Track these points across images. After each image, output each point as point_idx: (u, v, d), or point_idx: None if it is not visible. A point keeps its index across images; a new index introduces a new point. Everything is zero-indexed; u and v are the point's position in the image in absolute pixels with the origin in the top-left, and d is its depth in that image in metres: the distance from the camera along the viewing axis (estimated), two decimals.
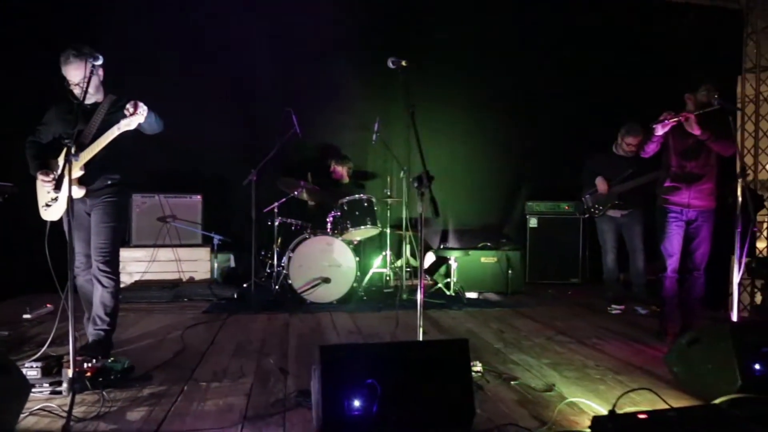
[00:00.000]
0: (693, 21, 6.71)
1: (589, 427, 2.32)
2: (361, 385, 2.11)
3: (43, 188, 3.41)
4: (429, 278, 6.16)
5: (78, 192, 3.30)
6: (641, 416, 2.33)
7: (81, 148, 3.26)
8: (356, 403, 2.10)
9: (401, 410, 2.13)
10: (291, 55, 6.56)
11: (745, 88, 6.94)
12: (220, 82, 6.43)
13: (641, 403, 2.71)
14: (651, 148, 4.03)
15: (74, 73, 3.23)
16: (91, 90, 3.27)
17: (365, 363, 2.18)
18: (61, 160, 3.38)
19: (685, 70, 5.64)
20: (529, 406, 2.70)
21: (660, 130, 3.84)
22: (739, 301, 5.50)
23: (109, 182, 3.44)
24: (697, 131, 3.80)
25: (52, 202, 3.38)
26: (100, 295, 3.38)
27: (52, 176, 3.29)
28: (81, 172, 3.31)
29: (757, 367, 2.69)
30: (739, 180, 3.60)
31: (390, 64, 3.09)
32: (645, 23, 6.88)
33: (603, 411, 2.55)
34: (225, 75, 6.43)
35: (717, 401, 2.60)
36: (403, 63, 3.04)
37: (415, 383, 2.20)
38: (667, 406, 2.45)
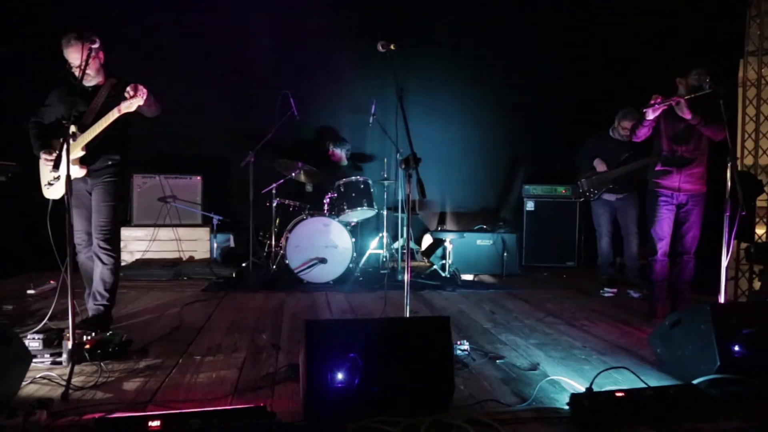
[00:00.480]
0: (695, 2, 6.65)
1: (567, 404, 2.40)
2: (344, 359, 2.19)
3: (46, 167, 3.49)
4: (425, 260, 6.24)
5: (79, 172, 3.39)
6: (618, 394, 2.41)
7: (82, 129, 3.36)
8: (339, 376, 2.18)
9: (382, 383, 2.22)
10: (289, 38, 6.61)
11: (747, 71, 6.91)
12: (220, 64, 6.49)
13: (623, 383, 2.78)
14: (642, 133, 4.07)
15: (75, 55, 3.31)
16: (91, 72, 3.35)
17: (349, 338, 2.26)
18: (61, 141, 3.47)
19: (686, 53, 5.64)
20: (512, 384, 2.78)
21: (651, 115, 3.87)
22: (737, 287, 5.58)
23: (110, 162, 3.53)
24: (687, 115, 3.83)
25: (54, 181, 3.48)
26: (100, 272, 3.48)
27: (54, 155, 3.37)
28: (82, 153, 3.40)
29: (736, 348, 2.75)
30: (729, 164, 3.62)
31: (380, 48, 3.13)
32: (645, 5, 6.84)
33: (583, 389, 2.62)
34: (224, 58, 6.49)
35: (695, 381, 2.67)
36: (392, 47, 3.07)
37: (396, 358, 2.28)
38: (644, 386, 2.53)
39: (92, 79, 3.44)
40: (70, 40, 3.29)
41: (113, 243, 3.52)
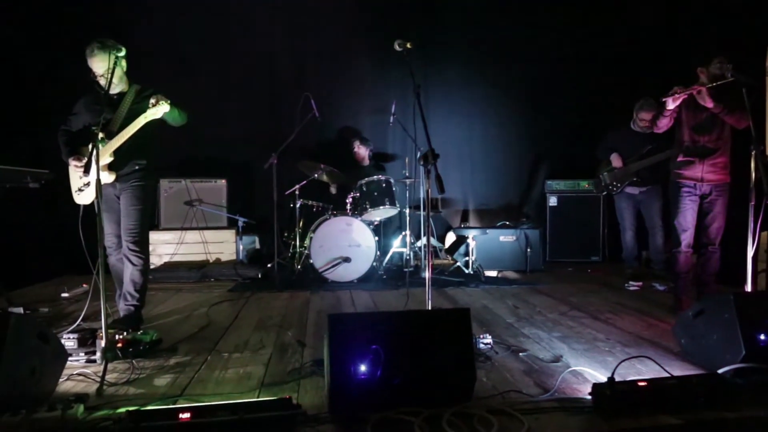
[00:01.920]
0: None
1: (589, 394, 2.41)
2: (367, 351, 2.24)
3: (75, 173, 3.63)
4: (449, 257, 6.26)
5: (108, 177, 3.52)
6: (641, 384, 2.41)
7: (109, 136, 3.48)
8: (362, 368, 2.23)
9: (404, 375, 2.26)
10: (309, 40, 6.71)
11: None
12: (241, 69, 6.62)
13: (647, 373, 2.77)
14: (663, 123, 4.03)
15: (99, 65, 3.43)
16: (115, 80, 3.44)
17: (371, 331, 2.30)
18: (90, 147, 3.59)
19: (711, 42, 5.54)
20: (534, 375, 2.80)
21: (671, 104, 3.84)
22: (764, 278, 5.46)
23: (137, 167, 3.65)
24: (709, 104, 3.79)
25: (85, 187, 3.61)
26: (130, 273, 3.61)
27: (83, 161, 3.50)
28: (110, 159, 3.52)
29: (762, 337, 2.72)
30: (753, 152, 3.57)
31: (396, 47, 3.17)
32: None
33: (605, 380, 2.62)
34: (246, 63, 6.61)
35: (720, 371, 2.65)
36: (408, 45, 3.11)
37: (418, 350, 2.32)
38: (667, 375, 2.52)
39: (116, 86, 3.55)
40: (93, 50, 3.41)
41: (142, 245, 3.64)
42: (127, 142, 3.50)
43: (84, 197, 3.64)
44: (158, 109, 3.40)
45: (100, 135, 3.39)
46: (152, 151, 3.72)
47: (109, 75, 3.33)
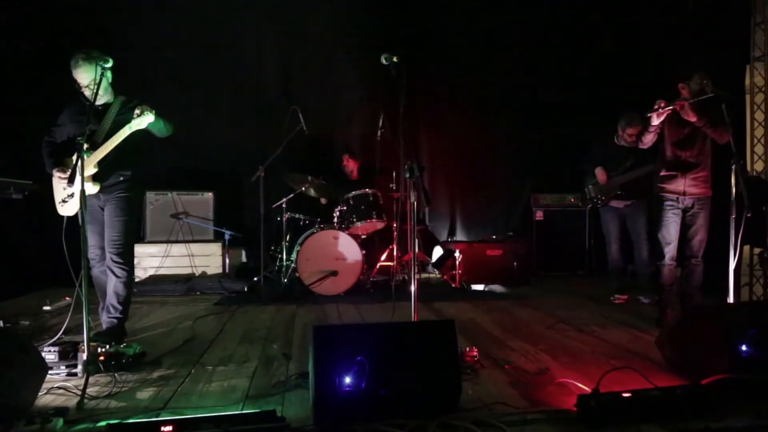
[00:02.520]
0: (698, 9, 6.67)
1: (575, 405, 2.41)
2: (352, 362, 2.23)
3: (59, 185, 3.59)
4: (436, 271, 6.27)
5: (92, 188, 3.49)
6: (625, 395, 2.42)
7: (94, 146, 3.45)
8: (347, 379, 2.22)
9: (389, 386, 2.25)
10: (297, 53, 6.75)
11: (754, 77, 6.91)
12: (229, 81, 6.63)
13: (632, 385, 2.76)
14: (648, 139, 4.09)
15: (83, 75, 3.43)
16: (100, 92, 3.42)
17: (356, 342, 2.30)
18: (74, 159, 3.57)
19: (690, 60, 5.66)
20: (520, 388, 2.79)
21: (656, 120, 3.90)
22: (752, 292, 5.53)
23: (121, 179, 3.63)
24: (693, 118, 3.86)
25: (69, 198, 3.57)
26: (113, 285, 3.57)
27: (68, 173, 3.47)
28: (95, 170, 3.49)
29: (744, 348, 2.75)
30: (734, 166, 3.63)
31: (383, 61, 3.19)
32: (649, 12, 6.88)
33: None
34: (233, 75, 6.63)
35: (704, 382, 2.67)
36: (395, 59, 3.14)
37: (403, 361, 2.32)
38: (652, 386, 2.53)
39: (101, 97, 3.54)
40: (78, 61, 3.40)
41: (126, 257, 3.61)
42: (112, 152, 3.48)
43: (68, 208, 3.60)
44: (143, 120, 3.40)
45: (85, 146, 3.39)
46: (137, 162, 3.70)
47: (95, 86, 3.31)
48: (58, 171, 3.53)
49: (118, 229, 3.58)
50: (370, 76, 6.67)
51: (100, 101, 3.55)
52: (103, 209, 3.65)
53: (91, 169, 3.47)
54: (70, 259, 3.28)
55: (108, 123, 3.53)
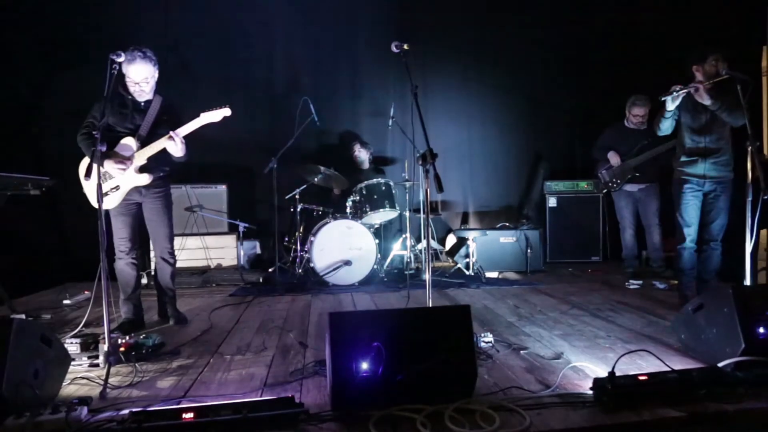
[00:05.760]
0: None
1: (591, 388, 2.42)
2: (368, 348, 2.25)
3: (95, 178, 3.59)
4: (450, 259, 6.27)
5: (145, 179, 3.66)
6: (641, 377, 2.42)
7: (139, 139, 3.63)
8: (364, 365, 2.24)
9: (406, 372, 2.27)
10: (308, 45, 6.74)
11: None
12: (241, 75, 6.65)
13: (647, 368, 2.77)
14: (666, 126, 4.03)
15: (138, 72, 3.56)
16: (147, 89, 3.62)
17: (372, 328, 2.32)
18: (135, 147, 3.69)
19: (707, 43, 5.57)
20: (536, 372, 2.81)
21: (671, 105, 3.85)
22: (764, 276, 5.47)
23: (161, 174, 3.81)
24: (707, 101, 3.81)
25: (112, 191, 3.63)
26: (169, 273, 3.98)
27: (128, 162, 3.58)
28: (143, 162, 3.65)
29: (761, 330, 2.73)
30: (750, 148, 3.58)
31: (393, 49, 3.19)
32: None
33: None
34: (245, 67, 6.65)
35: (720, 364, 2.66)
36: (405, 46, 3.14)
37: (419, 347, 2.33)
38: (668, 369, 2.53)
39: (146, 95, 3.68)
40: (135, 58, 3.51)
41: (173, 248, 3.99)
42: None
43: (108, 201, 3.65)
44: (169, 144, 3.61)
45: (131, 139, 3.59)
46: (172, 158, 3.81)
47: (148, 85, 3.57)
48: (116, 162, 3.54)
49: (168, 224, 3.90)
50: (381, 66, 6.67)
51: (143, 98, 3.68)
52: (139, 204, 3.78)
53: (140, 161, 3.62)
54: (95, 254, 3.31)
55: (151, 120, 3.68)
